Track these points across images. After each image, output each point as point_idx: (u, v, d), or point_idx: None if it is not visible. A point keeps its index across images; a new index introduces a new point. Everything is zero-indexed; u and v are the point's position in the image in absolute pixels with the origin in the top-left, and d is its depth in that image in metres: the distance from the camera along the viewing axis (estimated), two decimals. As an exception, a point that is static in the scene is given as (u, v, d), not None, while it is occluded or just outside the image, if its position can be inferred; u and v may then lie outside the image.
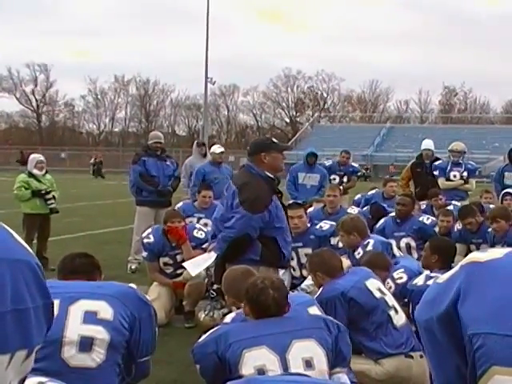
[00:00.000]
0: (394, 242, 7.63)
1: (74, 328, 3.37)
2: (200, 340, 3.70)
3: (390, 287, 5.56)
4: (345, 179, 12.42)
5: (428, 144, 11.38)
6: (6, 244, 1.09)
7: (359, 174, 13.83)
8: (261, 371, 3.42)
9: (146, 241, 7.33)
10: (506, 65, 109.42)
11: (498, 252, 1.17)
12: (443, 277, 1.25)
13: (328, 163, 12.93)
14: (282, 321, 3.63)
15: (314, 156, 11.73)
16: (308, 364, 3.49)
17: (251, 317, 3.69)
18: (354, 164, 13.53)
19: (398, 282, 5.61)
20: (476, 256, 1.19)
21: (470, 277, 1.16)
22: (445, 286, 1.21)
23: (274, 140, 5.94)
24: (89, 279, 3.69)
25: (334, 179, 12.46)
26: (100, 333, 3.39)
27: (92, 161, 48.68)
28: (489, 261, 1.15)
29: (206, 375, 3.64)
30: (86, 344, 3.37)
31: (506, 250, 1.17)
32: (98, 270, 3.82)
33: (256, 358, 3.45)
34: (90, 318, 3.41)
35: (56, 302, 3.29)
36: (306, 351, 3.52)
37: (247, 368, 3.44)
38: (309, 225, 7.35)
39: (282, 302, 3.64)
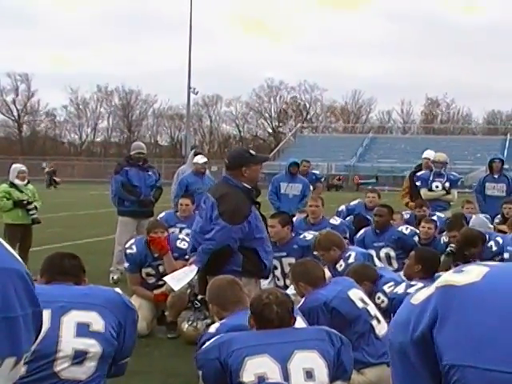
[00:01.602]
0: (373, 252, 7.65)
1: (68, 341, 3.37)
2: (203, 347, 3.74)
3: (383, 301, 5.56)
4: (311, 188, 12.43)
5: (430, 154, 11.41)
6: None
7: (322, 179, 13.92)
8: (261, 379, 3.46)
9: (128, 251, 7.29)
10: (488, 76, 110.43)
11: (475, 273, 1.09)
12: (417, 297, 1.17)
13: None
14: (285, 331, 3.67)
15: (297, 166, 11.77)
16: (309, 375, 3.52)
17: (255, 328, 3.71)
18: (314, 171, 13.62)
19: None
20: (453, 279, 1.11)
21: (446, 302, 1.09)
22: (420, 308, 1.14)
23: (252, 152, 5.95)
24: (76, 282, 3.68)
25: None
26: (93, 346, 3.42)
27: (47, 169, 46.83)
28: (466, 285, 1.07)
29: (207, 381, 3.68)
30: (79, 358, 3.39)
31: (485, 268, 1.10)
32: (83, 272, 3.83)
33: (257, 366, 3.48)
34: (83, 330, 3.42)
35: (47, 312, 3.31)
36: (308, 362, 3.55)
37: (248, 375, 3.47)
38: (293, 234, 7.36)
39: (285, 317, 3.68)
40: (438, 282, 1.12)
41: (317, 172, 13.69)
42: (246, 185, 5.67)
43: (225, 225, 5.54)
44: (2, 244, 1.12)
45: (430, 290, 1.14)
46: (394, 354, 1.23)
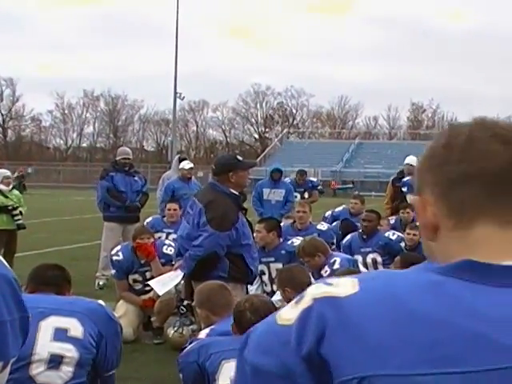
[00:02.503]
0: (360, 258, 7.68)
1: (44, 345, 3.37)
2: (185, 350, 3.77)
3: None
4: (306, 195, 12.41)
5: (411, 160, 11.43)
6: None
7: (319, 187, 13.68)
8: None
9: (114, 258, 7.27)
10: (474, 82, 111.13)
11: (349, 285, 1.02)
12: (287, 316, 1.05)
13: (286, 182, 13.01)
14: None
15: (279, 172, 11.73)
16: None
17: (238, 334, 3.73)
18: (311, 179, 13.56)
19: None
20: (331, 290, 1.02)
21: (332, 314, 1.00)
22: (298, 325, 1.02)
23: (239, 158, 5.95)
24: (58, 292, 3.69)
25: (296, 197, 12.51)
26: (70, 351, 3.41)
27: (15, 174, 45.01)
28: (349, 296, 1.01)
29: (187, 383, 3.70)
30: (55, 362, 3.38)
31: (354, 279, 1.04)
32: (68, 283, 3.83)
33: (233, 369, 3.46)
34: (61, 335, 3.41)
35: None
36: None
37: (224, 378, 3.48)
38: (281, 240, 7.36)
39: None
40: (316, 294, 1.03)
41: (314, 179, 13.63)
42: (233, 191, 5.67)
43: (213, 232, 5.54)
44: None
45: (303, 303, 1.03)
46: (266, 380, 1.08)
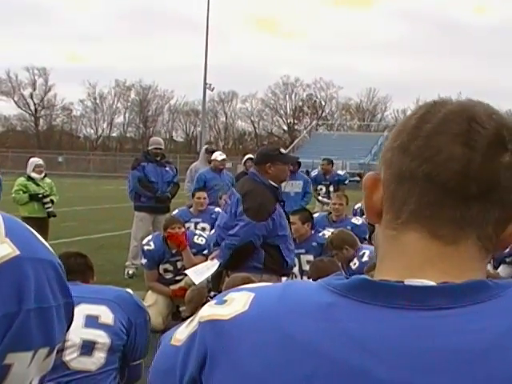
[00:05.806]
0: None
1: (77, 331, 3.39)
2: None
3: None
4: (331, 188, 12.27)
5: None
6: (30, 243, 1.10)
7: (346, 182, 13.15)
8: None
9: (146, 248, 7.30)
10: (502, 76, 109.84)
11: (242, 303, 0.97)
12: (178, 337, 1.02)
13: (314, 173, 12.86)
14: None
15: (298, 164, 11.42)
16: None
17: None
18: (339, 172, 13.35)
19: None
20: (217, 312, 0.97)
21: (214, 339, 0.95)
22: (184, 349, 0.98)
23: (282, 151, 5.95)
24: (83, 280, 3.70)
25: (321, 189, 12.38)
26: (101, 337, 3.44)
27: None
28: (234, 318, 0.95)
29: None
30: (87, 348, 3.42)
31: (250, 294, 0.98)
32: (91, 270, 3.85)
33: None
34: (92, 322, 3.45)
35: None
36: None
37: None
38: (312, 232, 7.35)
39: None
40: (201, 317, 0.99)
41: (341, 173, 13.35)
42: (272, 182, 5.66)
43: (249, 221, 5.54)
44: (35, 235, 1.14)
45: (192, 325, 1.00)
46: None
